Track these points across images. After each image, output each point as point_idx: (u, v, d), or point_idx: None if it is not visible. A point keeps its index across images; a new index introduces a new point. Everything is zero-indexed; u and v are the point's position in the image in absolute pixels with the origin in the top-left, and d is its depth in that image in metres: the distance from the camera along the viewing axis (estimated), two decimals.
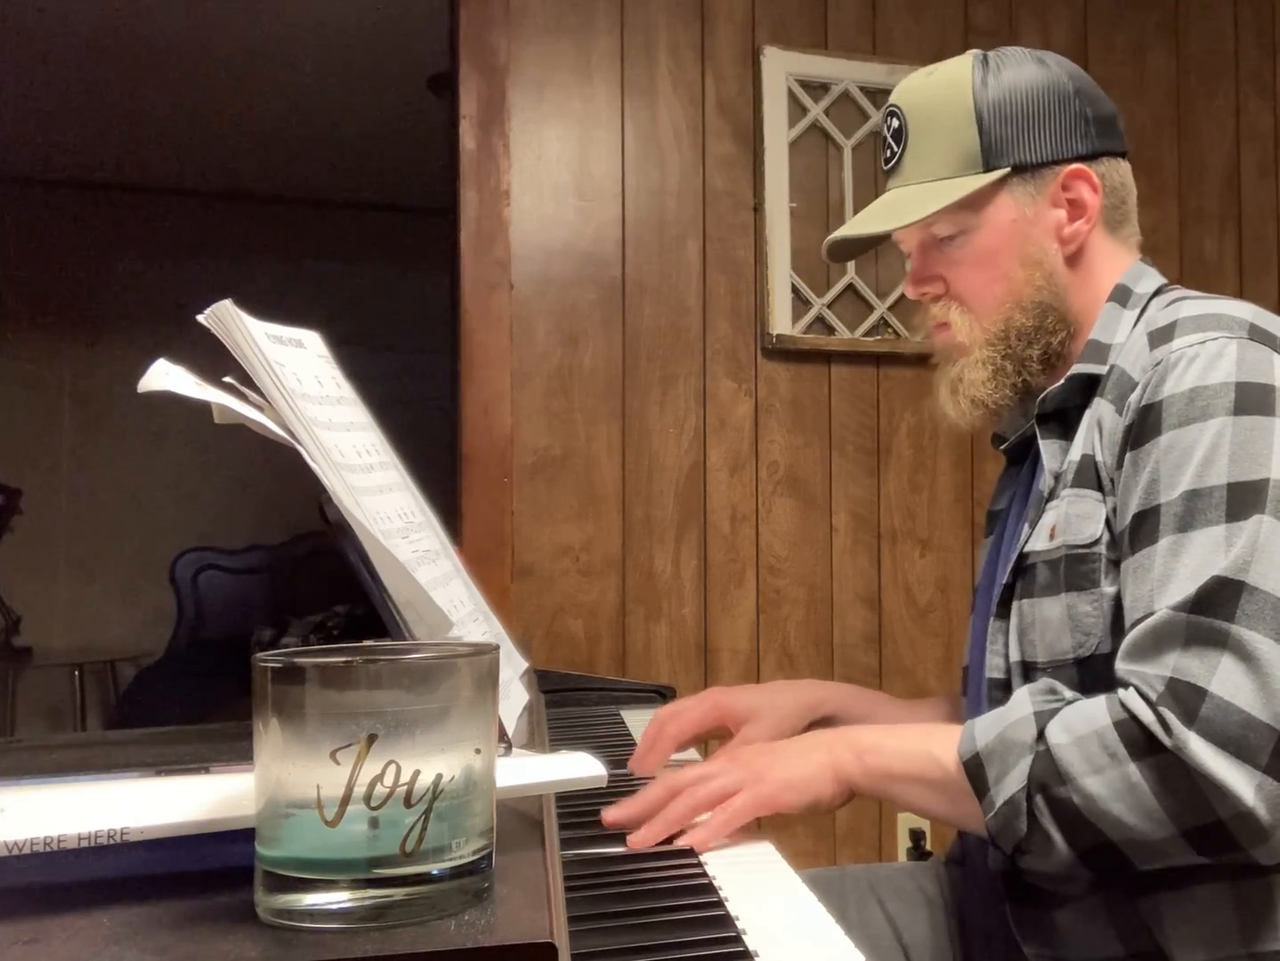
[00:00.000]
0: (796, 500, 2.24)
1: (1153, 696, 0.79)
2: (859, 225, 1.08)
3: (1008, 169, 1.00)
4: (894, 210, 1.05)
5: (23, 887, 0.52)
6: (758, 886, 0.75)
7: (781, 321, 2.21)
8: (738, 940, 0.64)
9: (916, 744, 0.91)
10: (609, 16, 2.19)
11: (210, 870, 0.54)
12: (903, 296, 2.29)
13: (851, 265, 2.27)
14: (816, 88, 2.27)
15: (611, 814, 0.85)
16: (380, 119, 3.98)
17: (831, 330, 2.26)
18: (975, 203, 1.01)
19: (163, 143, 4.28)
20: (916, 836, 2.21)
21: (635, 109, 2.20)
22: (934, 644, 2.29)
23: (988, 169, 1.01)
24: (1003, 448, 1.14)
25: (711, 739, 1.17)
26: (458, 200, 2.11)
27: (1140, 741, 0.79)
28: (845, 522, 2.27)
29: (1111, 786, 0.79)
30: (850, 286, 2.27)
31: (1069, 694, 0.87)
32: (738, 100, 2.25)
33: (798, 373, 2.25)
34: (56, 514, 4.64)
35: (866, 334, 2.28)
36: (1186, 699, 0.78)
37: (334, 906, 0.47)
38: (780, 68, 2.24)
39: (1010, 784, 0.82)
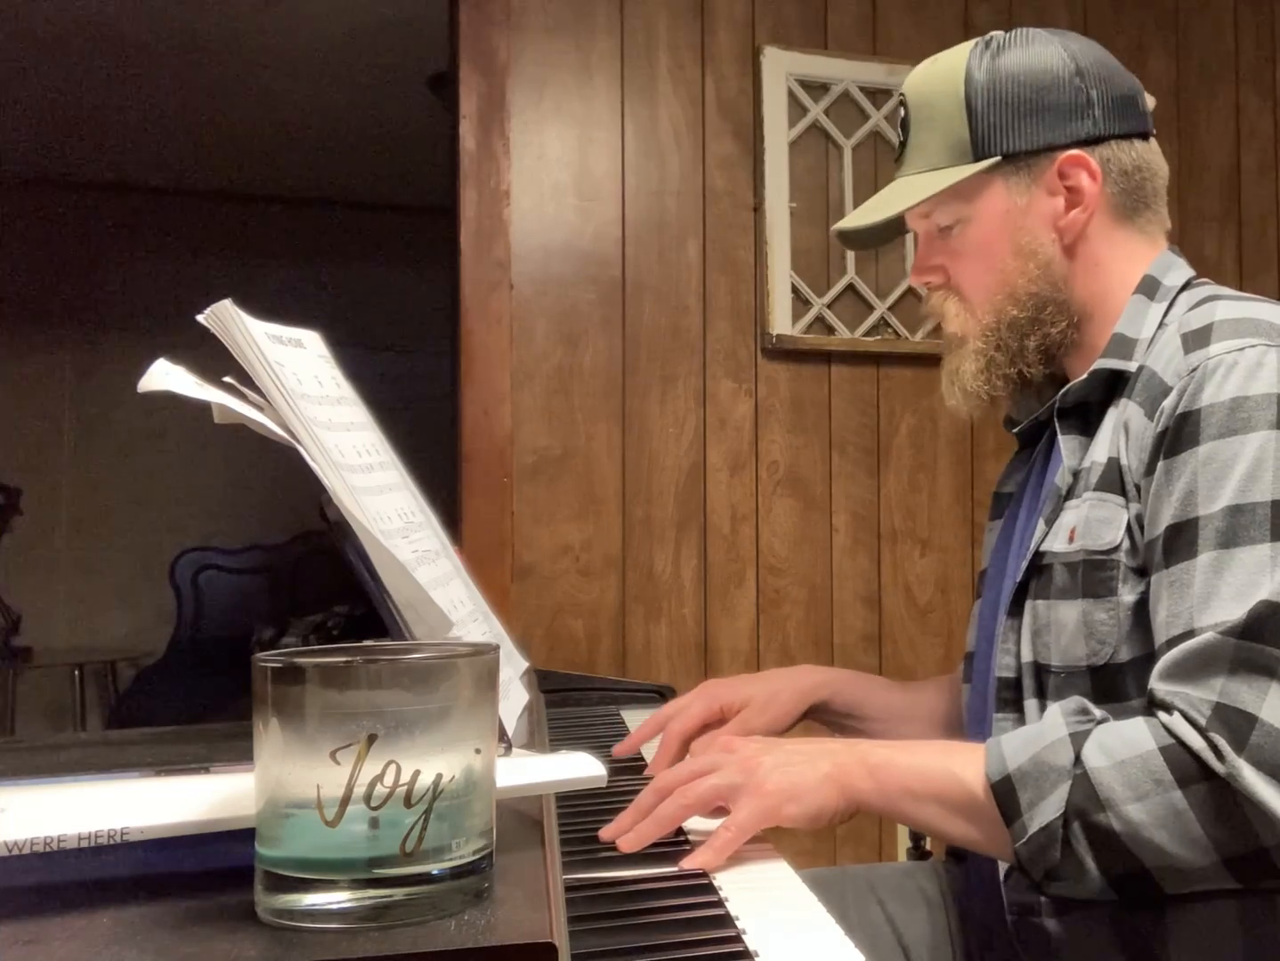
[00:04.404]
0: (796, 500, 2.24)
1: (1201, 721, 0.77)
2: (857, 217, 1.08)
3: (997, 158, 0.99)
4: (887, 200, 1.04)
5: (23, 887, 0.52)
6: (757, 886, 0.75)
7: (781, 321, 2.21)
8: (738, 940, 0.64)
9: (934, 761, 0.86)
10: (609, 16, 2.19)
11: (210, 870, 0.54)
12: (903, 296, 2.29)
13: (851, 265, 2.27)
14: (816, 88, 2.27)
15: (609, 830, 0.82)
16: (380, 119, 3.98)
17: (831, 330, 2.26)
18: (968, 192, 1.00)
19: (163, 143, 4.28)
20: (916, 836, 2.21)
21: (635, 109, 2.20)
22: (934, 644, 2.29)
23: (978, 158, 0.99)
24: (1015, 431, 1.11)
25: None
26: (458, 200, 2.11)
27: (1189, 768, 0.77)
28: (845, 523, 2.27)
29: (1154, 813, 0.77)
30: (850, 286, 2.27)
31: (1099, 713, 0.84)
32: (738, 100, 2.25)
33: (798, 373, 2.25)
34: (56, 514, 4.64)
35: (866, 334, 2.27)
36: (1236, 725, 0.76)
37: (334, 906, 0.47)
38: (780, 68, 2.24)
39: (1047, 810, 0.79)
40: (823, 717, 1.19)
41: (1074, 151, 0.98)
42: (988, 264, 1.01)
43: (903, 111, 1.05)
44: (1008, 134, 0.98)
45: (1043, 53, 1.00)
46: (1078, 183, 0.99)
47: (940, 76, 1.02)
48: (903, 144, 1.05)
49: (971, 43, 1.03)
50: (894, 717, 1.19)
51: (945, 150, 1.01)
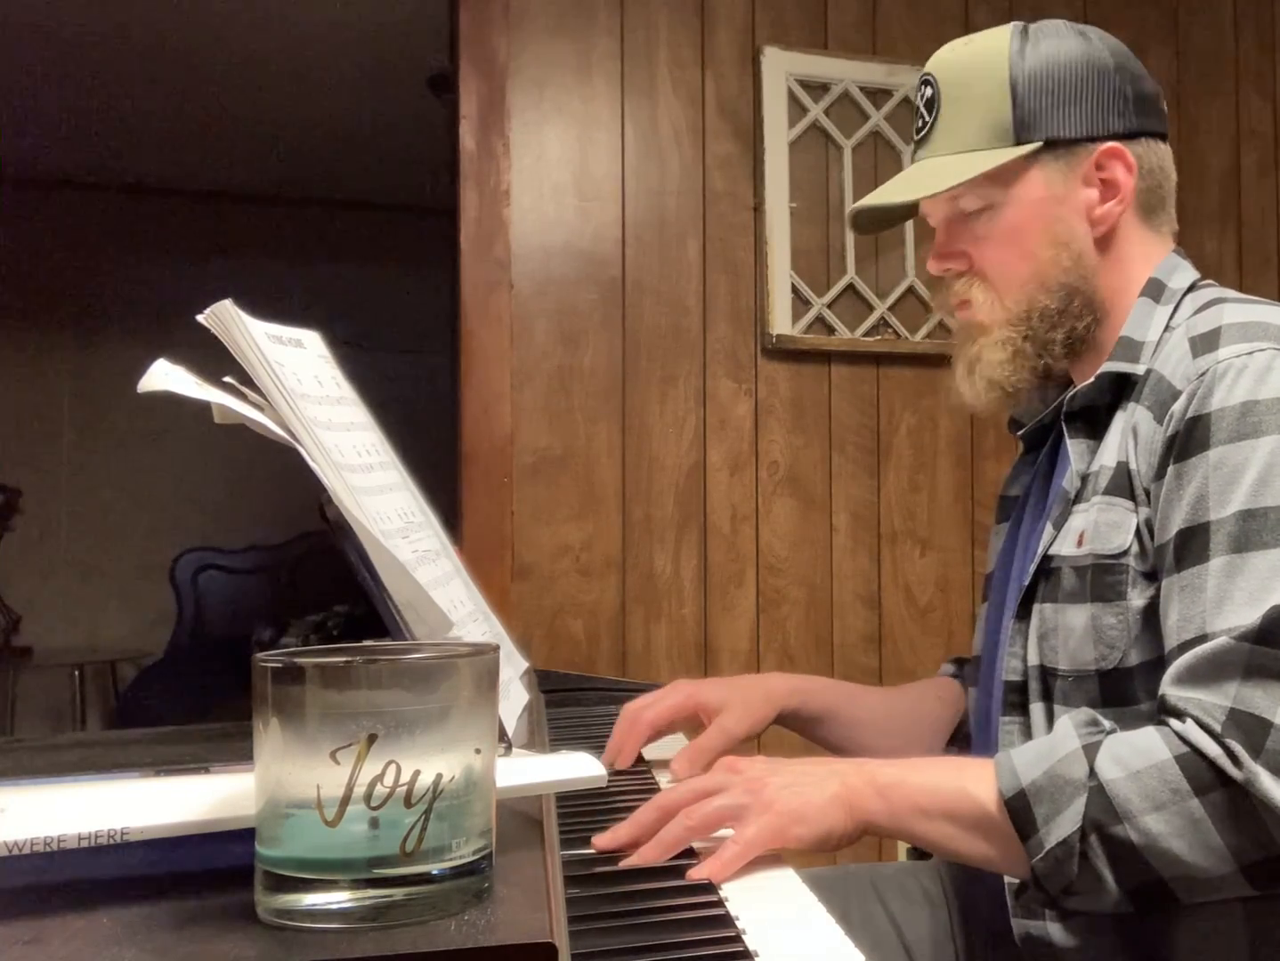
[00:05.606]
0: (796, 500, 2.24)
1: (1216, 728, 0.76)
2: (883, 195, 1.05)
3: (1040, 143, 0.97)
4: (919, 180, 1.02)
5: (23, 887, 0.52)
6: (758, 886, 0.75)
7: (781, 321, 2.21)
8: (738, 939, 0.64)
9: (944, 778, 0.84)
10: (609, 17, 2.19)
11: (210, 870, 0.54)
12: (903, 296, 2.29)
13: (851, 265, 2.27)
14: (816, 88, 2.27)
15: (604, 839, 0.79)
16: (380, 119, 3.98)
17: (831, 330, 2.26)
18: (1004, 177, 0.98)
19: (163, 143, 4.28)
20: None
21: (635, 109, 2.20)
22: (934, 644, 2.29)
23: (1019, 142, 0.97)
24: (1020, 433, 1.10)
25: (683, 730, 1.16)
26: (458, 200, 2.11)
27: (1206, 776, 0.76)
28: (845, 523, 2.26)
29: (1172, 823, 0.76)
30: (850, 286, 2.27)
31: (1108, 724, 0.83)
32: (738, 100, 2.24)
33: (798, 373, 2.25)
34: (56, 514, 4.64)
35: (866, 334, 2.28)
36: (1251, 730, 0.75)
37: (334, 906, 0.47)
38: (780, 68, 2.24)
39: (1064, 825, 0.78)
40: (792, 725, 1.17)
41: (1113, 143, 0.98)
42: (1019, 251, 0.99)
43: (928, 91, 1.03)
44: (1052, 120, 0.97)
45: (1082, 44, 0.99)
46: (1113, 175, 0.98)
47: (980, 56, 1.00)
48: (928, 125, 1.03)
49: (1005, 28, 1.01)
50: (864, 724, 1.17)
51: (982, 132, 0.99)
